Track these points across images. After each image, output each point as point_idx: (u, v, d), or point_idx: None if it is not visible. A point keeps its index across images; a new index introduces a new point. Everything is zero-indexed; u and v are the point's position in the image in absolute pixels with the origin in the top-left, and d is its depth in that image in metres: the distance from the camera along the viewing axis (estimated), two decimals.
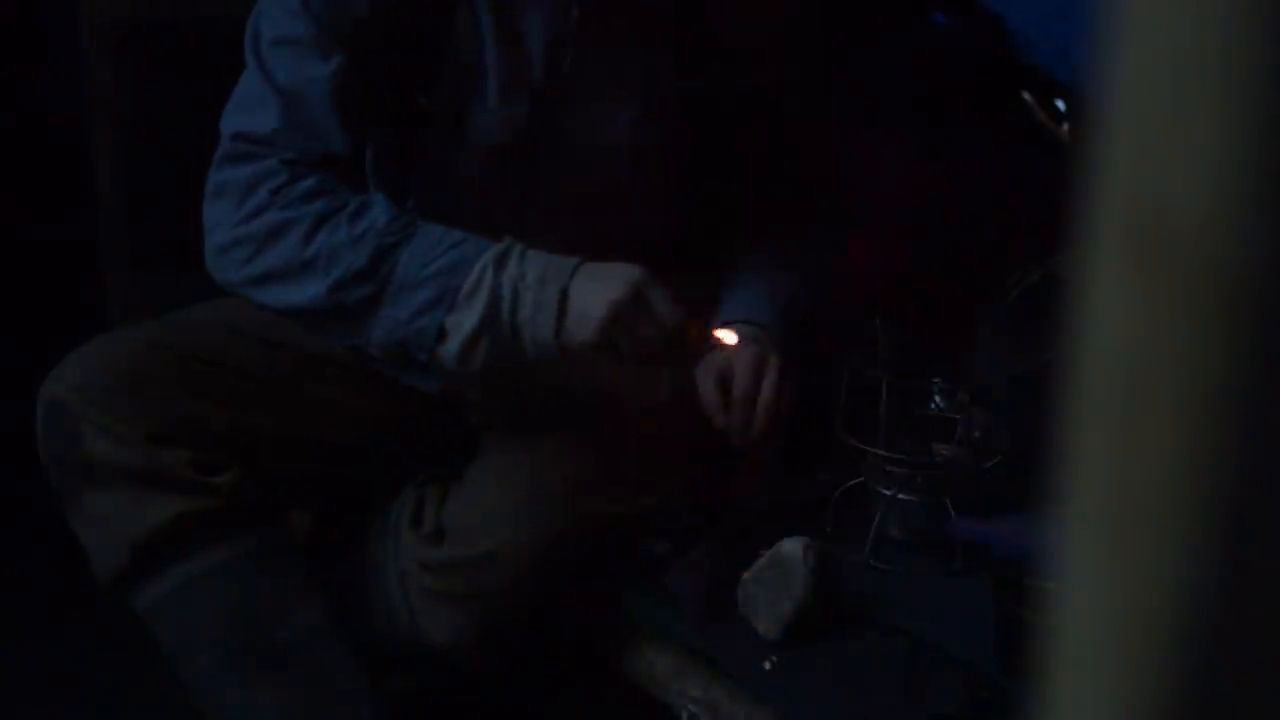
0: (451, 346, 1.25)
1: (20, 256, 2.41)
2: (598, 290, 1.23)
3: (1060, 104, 1.82)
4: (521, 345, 1.25)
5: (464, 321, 1.24)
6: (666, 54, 1.39)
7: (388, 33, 1.30)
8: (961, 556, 1.38)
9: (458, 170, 1.38)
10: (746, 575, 1.29)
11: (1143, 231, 0.29)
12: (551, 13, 1.33)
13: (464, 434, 1.41)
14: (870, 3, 1.99)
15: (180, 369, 1.34)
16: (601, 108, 1.38)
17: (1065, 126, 1.81)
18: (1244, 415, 0.28)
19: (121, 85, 2.11)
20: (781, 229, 1.51)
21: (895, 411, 1.41)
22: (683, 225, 1.49)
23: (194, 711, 1.34)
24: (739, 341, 1.35)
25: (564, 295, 1.23)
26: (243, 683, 1.31)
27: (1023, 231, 1.68)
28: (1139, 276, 0.29)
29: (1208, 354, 0.28)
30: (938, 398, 1.48)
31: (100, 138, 2.14)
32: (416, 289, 1.25)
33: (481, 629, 1.32)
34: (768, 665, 1.25)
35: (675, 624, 1.33)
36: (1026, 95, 1.85)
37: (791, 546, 1.27)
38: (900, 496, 1.40)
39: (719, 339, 1.32)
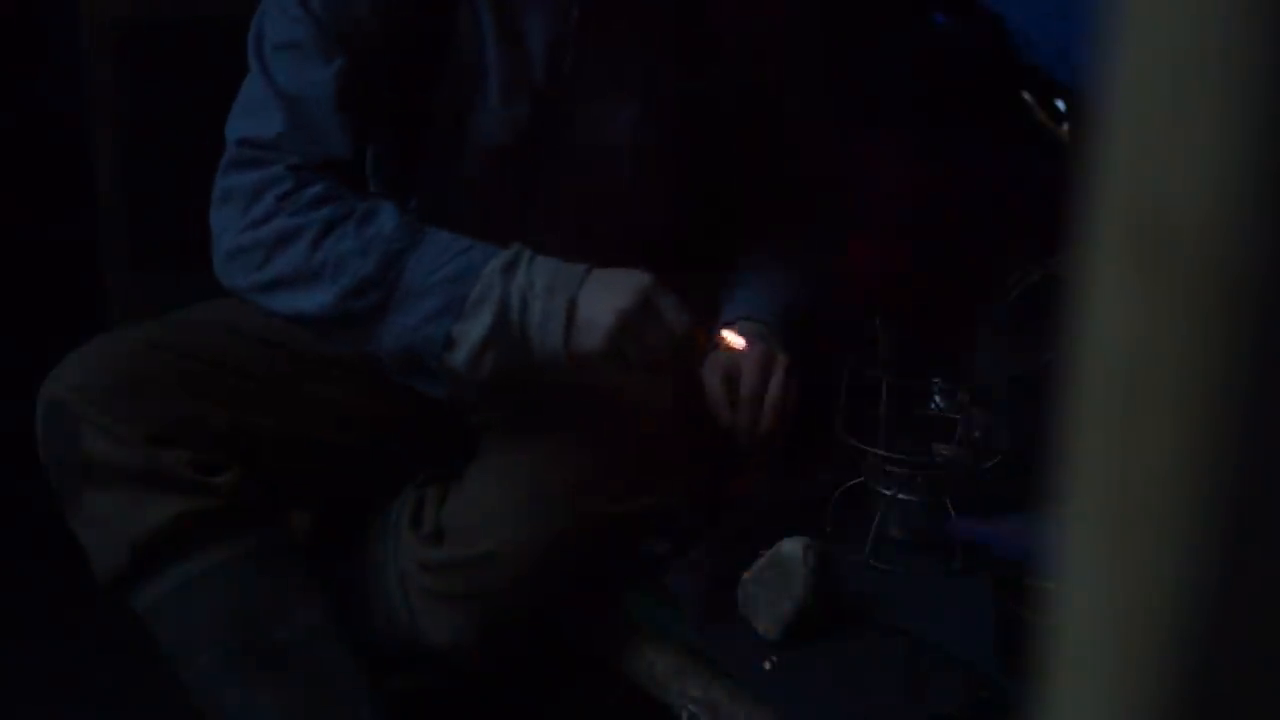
0: (460, 354, 1.25)
1: (20, 256, 2.41)
2: (606, 298, 1.23)
3: (1060, 104, 1.82)
4: (530, 352, 1.25)
5: (472, 329, 1.24)
6: (667, 54, 1.39)
7: (389, 34, 1.30)
8: (961, 556, 1.38)
9: (459, 171, 1.38)
10: (746, 575, 1.29)
11: (1143, 231, 0.29)
12: (552, 14, 1.33)
13: (464, 434, 1.41)
14: (870, 3, 1.99)
15: (180, 369, 1.34)
16: (602, 108, 1.38)
17: (1065, 126, 1.81)
18: (1244, 415, 0.28)
19: (121, 85, 2.11)
20: (782, 229, 1.51)
21: (895, 411, 1.41)
22: (683, 225, 1.49)
23: (194, 711, 1.34)
24: (747, 338, 1.36)
25: (572, 303, 1.23)
26: (243, 683, 1.31)
27: (1023, 231, 1.68)
28: (1139, 276, 0.29)
29: (1208, 354, 0.28)
30: (938, 398, 1.48)
31: (100, 138, 2.14)
32: (424, 296, 1.25)
33: (481, 629, 1.32)
34: (768, 665, 1.25)
35: (675, 624, 1.33)
36: (1026, 95, 1.85)
37: (791, 546, 1.27)
38: (900, 496, 1.40)
39: (728, 343, 1.32)
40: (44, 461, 1.33)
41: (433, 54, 1.33)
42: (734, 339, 1.32)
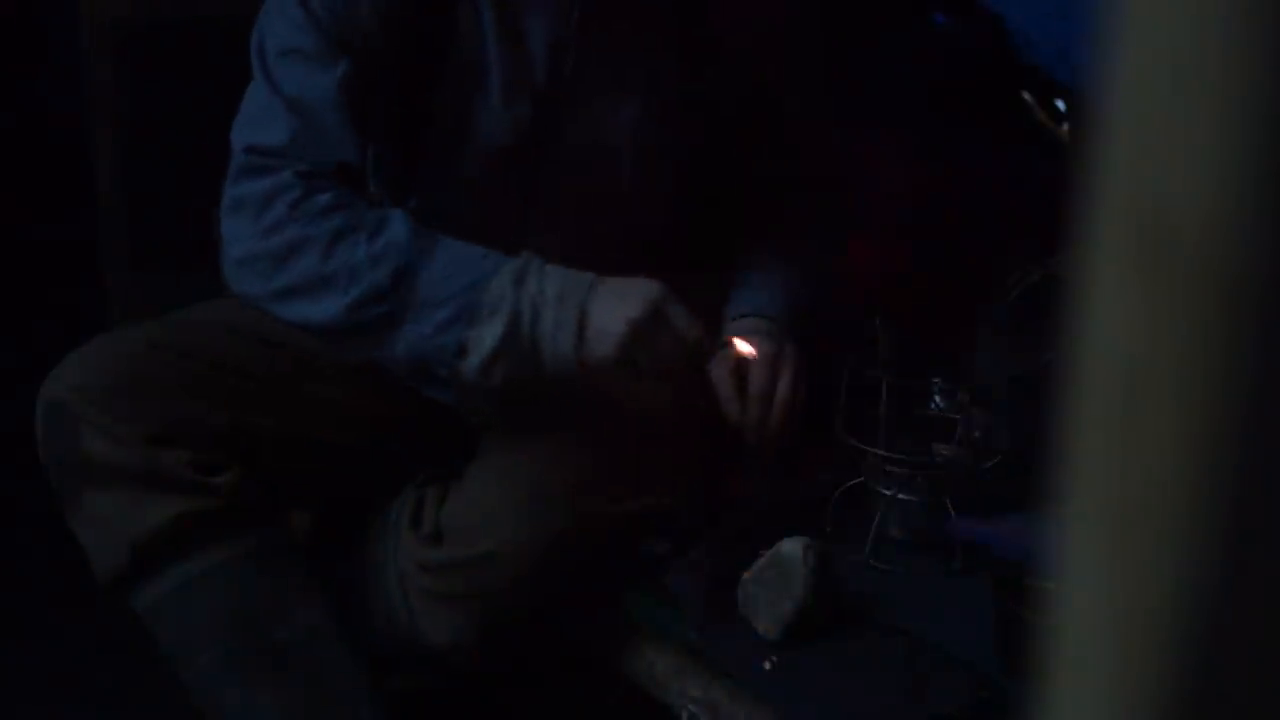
0: (472, 362, 1.25)
1: (20, 256, 2.42)
2: (617, 307, 1.24)
3: (1060, 104, 1.82)
4: (541, 361, 1.25)
5: (484, 338, 1.24)
6: (668, 55, 1.39)
7: (391, 37, 1.30)
8: (961, 556, 1.38)
9: (460, 171, 1.38)
10: (746, 575, 1.29)
11: (1143, 231, 0.29)
12: (553, 15, 1.33)
13: (464, 434, 1.41)
14: (870, 3, 1.99)
15: (180, 369, 1.34)
16: (603, 109, 1.38)
17: (1065, 126, 1.81)
18: (1244, 415, 0.28)
19: (121, 85, 2.11)
20: (783, 228, 1.52)
21: (895, 411, 1.41)
22: (684, 225, 1.50)
23: (194, 711, 1.34)
24: (756, 334, 1.36)
25: (583, 312, 1.24)
26: (243, 683, 1.31)
27: (1023, 231, 1.68)
28: (1139, 276, 0.29)
29: (1208, 354, 0.28)
30: (938, 398, 1.48)
31: (100, 138, 2.14)
32: (436, 306, 1.25)
33: (481, 629, 1.32)
34: (768, 665, 1.25)
35: (675, 624, 1.33)
36: (1026, 95, 1.85)
37: (791, 546, 1.27)
38: (900, 496, 1.40)
39: (739, 350, 1.32)
40: (44, 461, 1.33)
41: (434, 55, 1.33)
42: (745, 347, 1.32)
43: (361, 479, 1.45)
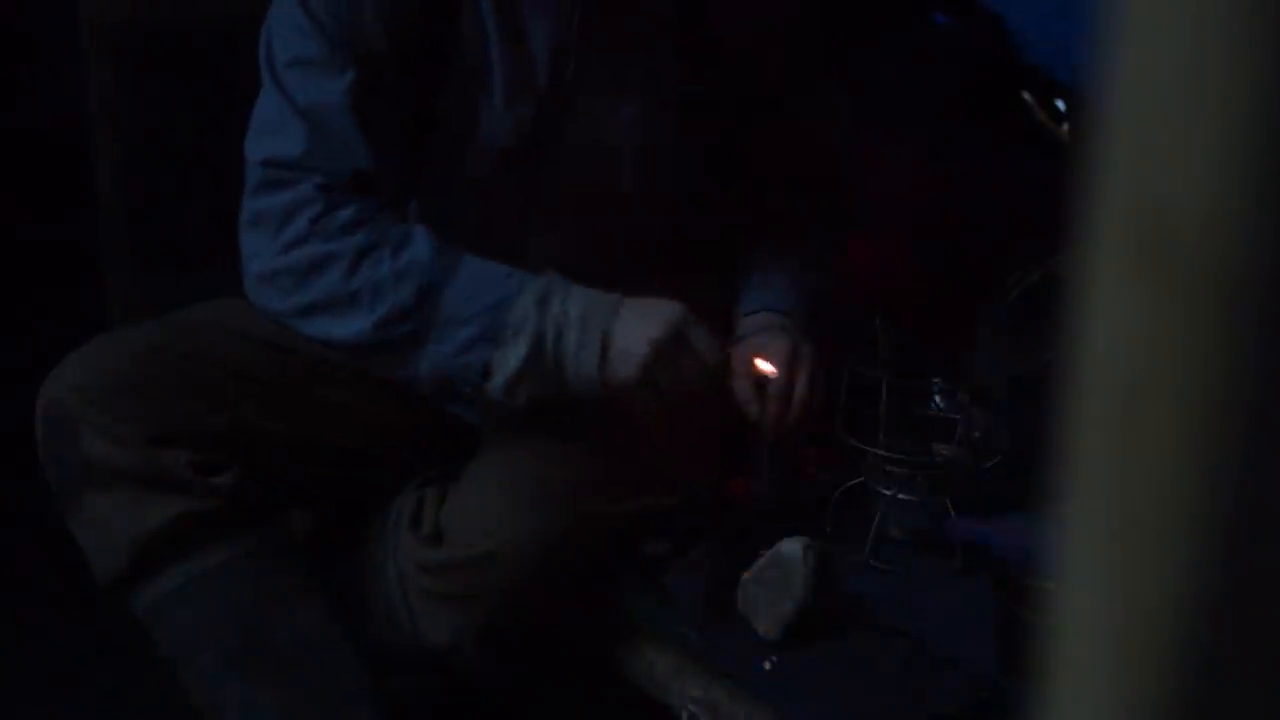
0: (497, 381, 1.26)
1: (20, 256, 2.42)
2: (639, 329, 1.25)
3: (1060, 104, 1.82)
4: (564, 381, 1.26)
5: (509, 359, 1.25)
6: (669, 56, 1.39)
7: (396, 40, 1.30)
8: (961, 556, 1.38)
9: (463, 172, 1.38)
10: (746, 575, 1.29)
11: (1143, 231, 0.29)
12: (554, 18, 1.33)
13: (464, 434, 1.41)
14: (870, 3, 1.99)
15: (180, 370, 1.34)
16: (605, 110, 1.38)
17: (1065, 126, 1.81)
18: (1244, 415, 0.28)
19: (121, 86, 2.11)
20: (785, 228, 1.52)
21: (895, 411, 1.41)
22: (686, 225, 1.50)
23: (194, 711, 1.34)
24: (771, 331, 1.36)
25: (606, 334, 1.25)
26: (243, 683, 1.31)
27: (1023, 231, 1.68)
28: (1139, 276, 0.29)
29: (1208, 354, 0.28)
30: (938, 398, 1.48)
31: (100, 138, 2.14)
32: (461, 325, 1.25)
33: (481, 630, 1.31)
34: (768, 665, 1.25)
35: (675, 624, 1.33)
36: (1026, 95, 1.85)
37: (791, 546, 1.27)
38: (900, 496, 1.40)
39: (760, 370, 1.32)
40: (44, 462, 1.33)
41: (438, 57, 1.33)
42: (766, 366, 1.33)
43: (365, 481, 1.45)
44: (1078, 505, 0.31)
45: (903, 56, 1.93)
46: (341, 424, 1.42)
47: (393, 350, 1.28)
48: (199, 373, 1.35)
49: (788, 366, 1.33)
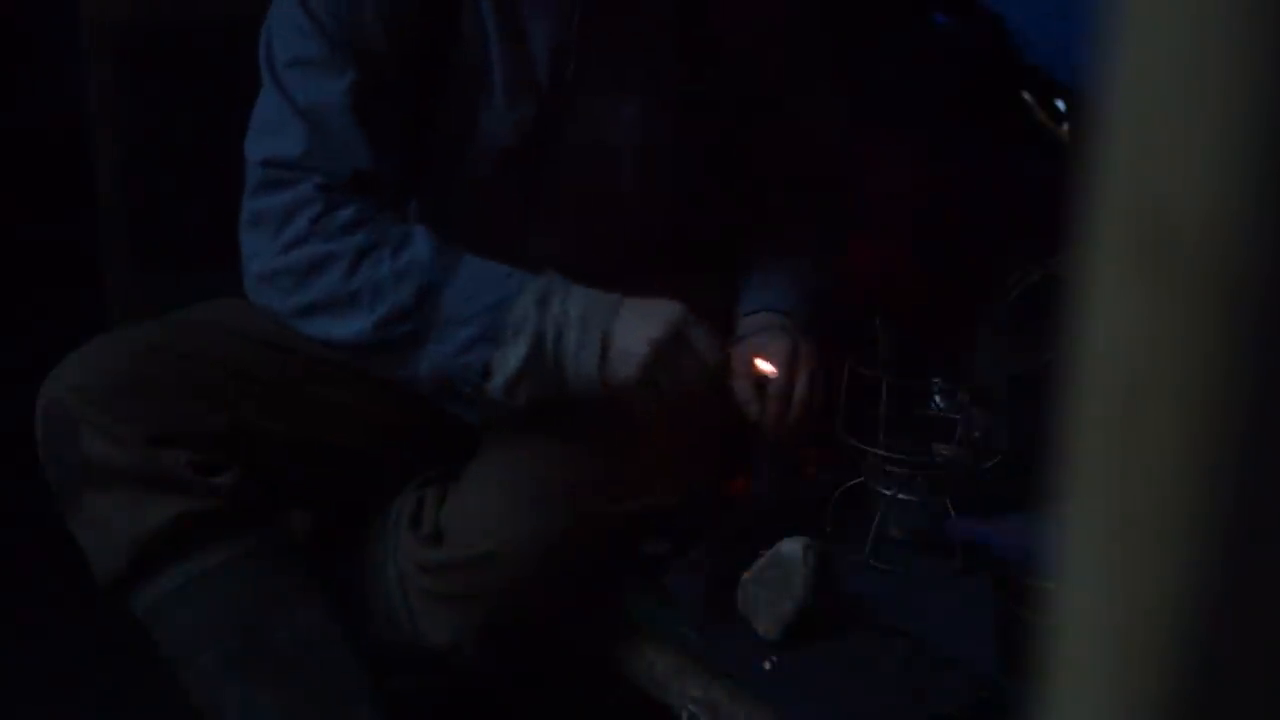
0: (497, 381, 1.26)
1: (20, 256, 2.42)
2: (639, 329, 1.25)
3: (1060, 104, 1.82)
4: (564, 381, 1.26)
5: (509, 359, 1.25)
6: (669, 56, 1.39)
7: (396, 40, 1.30)
8: (961, 556, 1.38)
9: (463, 172, 1.38)
10: (746, 575, 1.29)
11: (1143, 231, 0.29)
12: (555, 18, 1.33)
13: (464, 434, 1.41)
14: (870, 3, 1.99)
15: (180, 370, 1.34)
16: (605, 110, 1.38)
17: (1065, 126, 1.81)
18: (1244, 415, 0.28)
19: (122, 86, 2.11)
20: (785, 227, 1.52)
21: (895, 411, 1.41)
22: (686, 224, 1.50)
23: (194, 711, 1.34)
24: (771, 330, 1.36)
25: (606, 334, 1.25)
26: (243, 683, 1.31)
27: (1023, 231, 1.68)
28: (1139, 276, 0.29)
29: (1208, 354, 0.28)
30: (938, 398, 1.48)
31: (100, 138, 2.14)
32: (461, 326, 1.25)
33: (481, 629, 1.32)
34: (768, 665, 1.25)
35: (675, 624, 1.33)
36: (1026, 95, 1.85)
37: (791, 546, 1.27)
38: (900, 496, 1.40)
39: (760, 370, 1.32)
40: (44, 462, 1.33)
41: (438, 57, 1.33)
42: (766, 366, 1.33)
43: (365, 481, 1.45)
44: (1078, 505, 0.31)
45: (903, 56, 1.93)
46: (341, 424, 1.42)
47: (393, 350, 1.28)
48: (199, 373, 1.35)
49: (788, 366, 1.33)
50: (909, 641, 1.26)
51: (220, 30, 1.87)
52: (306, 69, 1.29)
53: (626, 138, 1.39)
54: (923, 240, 1.82)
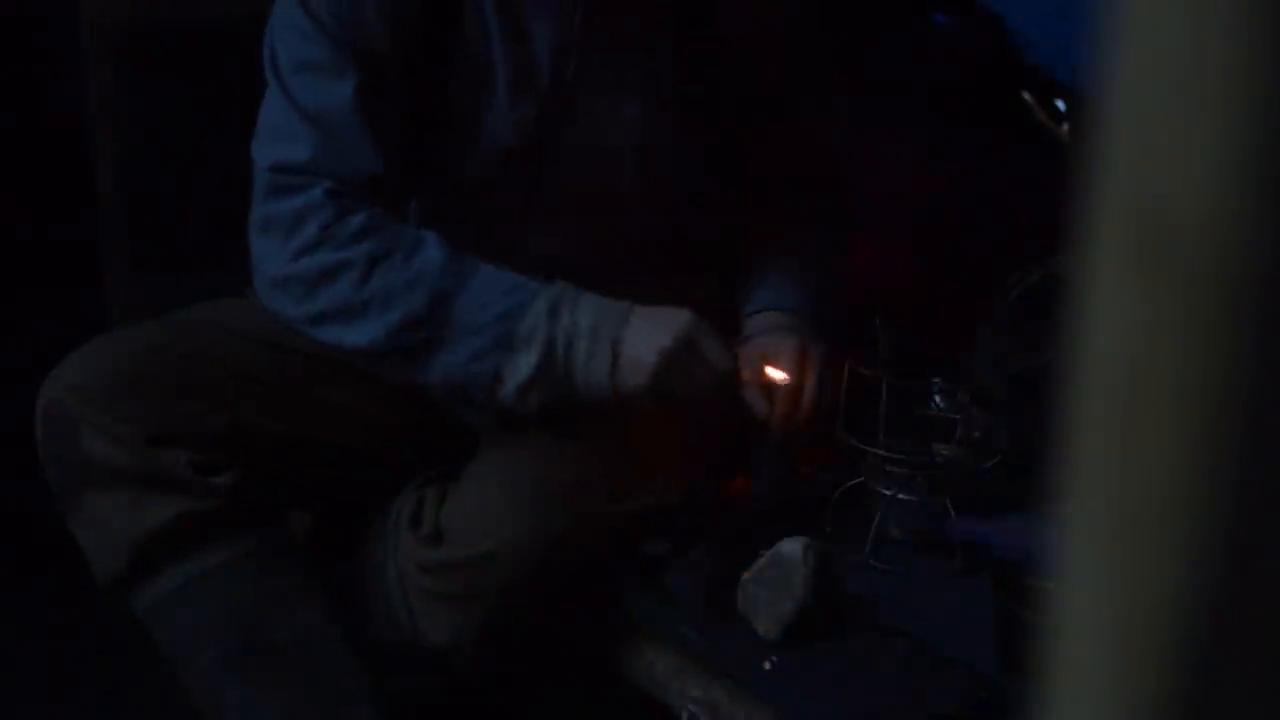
0: (508, 389, 1.26)
1: (20, 256, 2.41)
2: (649, 338, 1.26)
3: (1060, 104, 1.82)
4: (575, 389, 1.27)
5: (520, 367, 1.26)
6: (670, 56, 1.39)
7: (399, 41, 1.30)
8: (961, 556, 1.38)
9: (464, 171, 1.38)
10: (746, 575, 1.29)
11: (1143, 231, 0.29)
12: (556, 18, 1.33)
13: (464, 434, 1.41)
14: (870, 3, 1.99)
15: (180, 370, 1.34)
16: (607, 110, 1.38)
17: (1065, 126, 1.81)
18: (1244, 415, 0.28)
19: (122, 86, 2.11)
20: (785, 228, 1.52)
21: (895, 411, 1.41)
22: (687, 224, 1.50)
23: (194, 711, 1.34)
24: (780, 331, 1.36)
25: (616, 343, 1.26)
26: (243, 683, 1.31)
27: (1023, 231, 1.68)
28: (1139, 276, 0.29)
29: (1208, 354, 0.28)
30: (938, 398, 1.48)
31: (101, 138, 2.14)
32: (473, 334, 1.26)
33: (481, 629, 1.32)
34: (768, 665, 1.25)
35: (675, 624, 1.33)
36: (1026, 95, 1.85)
37: (791, 546, 1.27)
38: (900, 496, 1.40)
39: (771, 377, 1.33)
40: (43, 462, 1.33)
41: (441, 58, 1.33)
42: (776, 374, 1.33)
43: (365, 481, 1.45)
44: (1078, 505, 0.31)
45: (903, 56, 1.93)
46: (341, 424, 1.42)
47: (405, 357, 1.28)
48: (199, 373, 1.35)
49: (798, 367, 1.33)
50: (909, 641, 1.26)
51: (220, 30, 1.87)
52: (311, 73, 1.29)
53: (627, 138, 1.39)
54: (923, 240, 1.82)
